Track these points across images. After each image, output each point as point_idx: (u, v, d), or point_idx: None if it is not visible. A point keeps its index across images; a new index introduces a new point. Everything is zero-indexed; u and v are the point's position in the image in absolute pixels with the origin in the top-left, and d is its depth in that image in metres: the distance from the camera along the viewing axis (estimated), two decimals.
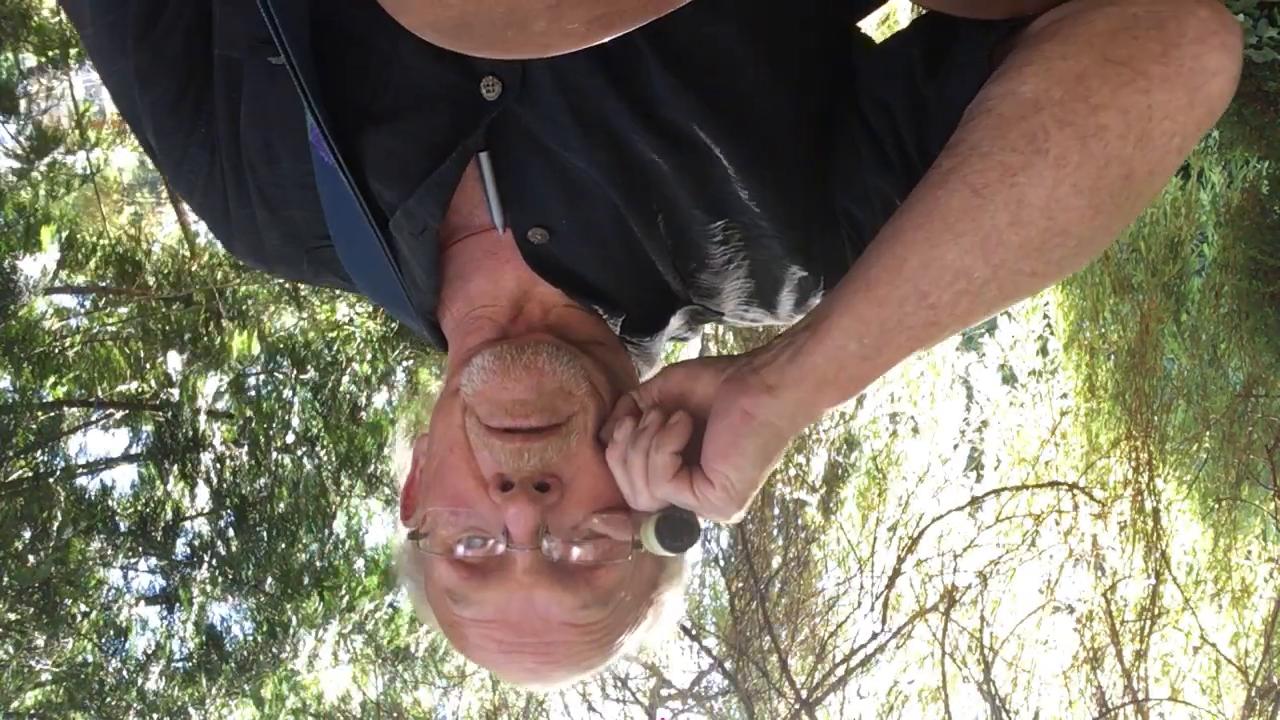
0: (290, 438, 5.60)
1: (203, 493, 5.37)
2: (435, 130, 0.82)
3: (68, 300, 5.71)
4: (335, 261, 0.95)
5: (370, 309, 4.87)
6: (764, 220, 0.86)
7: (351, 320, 5.03)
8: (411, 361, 5.10)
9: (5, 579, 4.69)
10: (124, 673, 5.14)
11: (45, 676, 5.12)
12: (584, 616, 0.82)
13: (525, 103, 0.81)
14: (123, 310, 5.71)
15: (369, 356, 5.43)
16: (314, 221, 0.92)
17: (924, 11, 0.80)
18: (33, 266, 4.61)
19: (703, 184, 0.84)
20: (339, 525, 5.00)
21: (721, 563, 6.46)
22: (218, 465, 5.40)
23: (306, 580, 5.50)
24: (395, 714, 6.22)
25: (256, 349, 5.52)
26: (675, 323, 0.97)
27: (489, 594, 0.81)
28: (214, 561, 5.37)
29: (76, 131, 5.12)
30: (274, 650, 5.41)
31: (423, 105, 0.82)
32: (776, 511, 6.35)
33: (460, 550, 0.81)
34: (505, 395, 0.79)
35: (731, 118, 0.81)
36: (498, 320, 0.88)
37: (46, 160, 5.36)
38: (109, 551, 5.26)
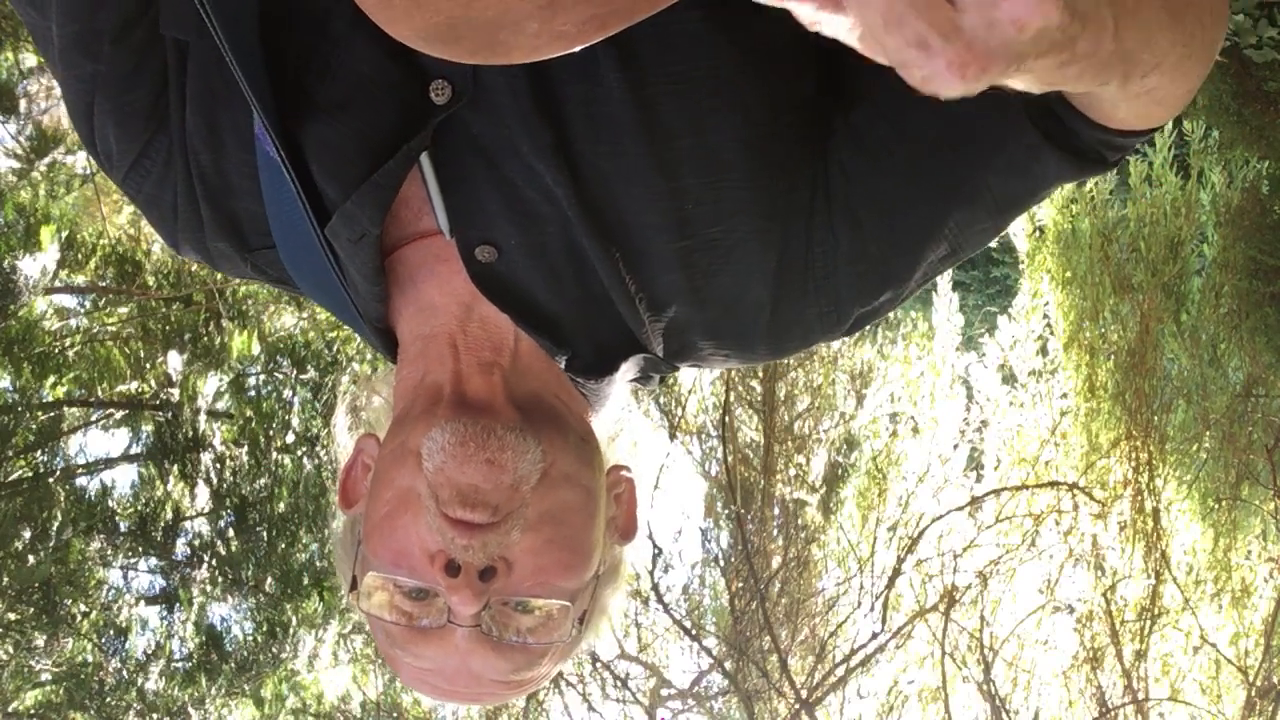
0: (290, 438, 5.60)
1: (203, 493, 5.37)
2: (379, 128, 0.78)
3: (68, 300, 5.71)
4: (277, 263, 0.92)
5: None
6: (739, 193, 0.81)
7: None
8: None
9: (5, 579, 4.69)
10: (124, 673, 5.13)
11: (45, 676, 5.12)
12: (516, 677, 0.86)
13: (476, 108, 0.78)
14: (123, 310, 5.71)
15: (369, 356, 5.42)
16: (257, 217, 0.88)
17: None
18: (33, 266, 4.60)
19: (672, 190, 0.80)
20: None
21: (721, 563, 6.46)
22: (218, 465, 5.39)
23: (306, 580, 5.50)
24: (395, 714, 6.22)
25: (256, 349, 5.51)
26: (629, 368, 0.91)
27: (427, 650, 0.84)
28: (214, 561, 5.36)
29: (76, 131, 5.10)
30: (274, 650, 5.41)
31: (369, 100, 0.78)
32: (776, 511, 6.35)
33: (401, 601, 0.83)
34: (461, 478, 0.79)
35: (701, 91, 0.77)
36: (453, 351, 0.85)
37: (46, 160, 5.35)
38: (109, 551, 5.26)
